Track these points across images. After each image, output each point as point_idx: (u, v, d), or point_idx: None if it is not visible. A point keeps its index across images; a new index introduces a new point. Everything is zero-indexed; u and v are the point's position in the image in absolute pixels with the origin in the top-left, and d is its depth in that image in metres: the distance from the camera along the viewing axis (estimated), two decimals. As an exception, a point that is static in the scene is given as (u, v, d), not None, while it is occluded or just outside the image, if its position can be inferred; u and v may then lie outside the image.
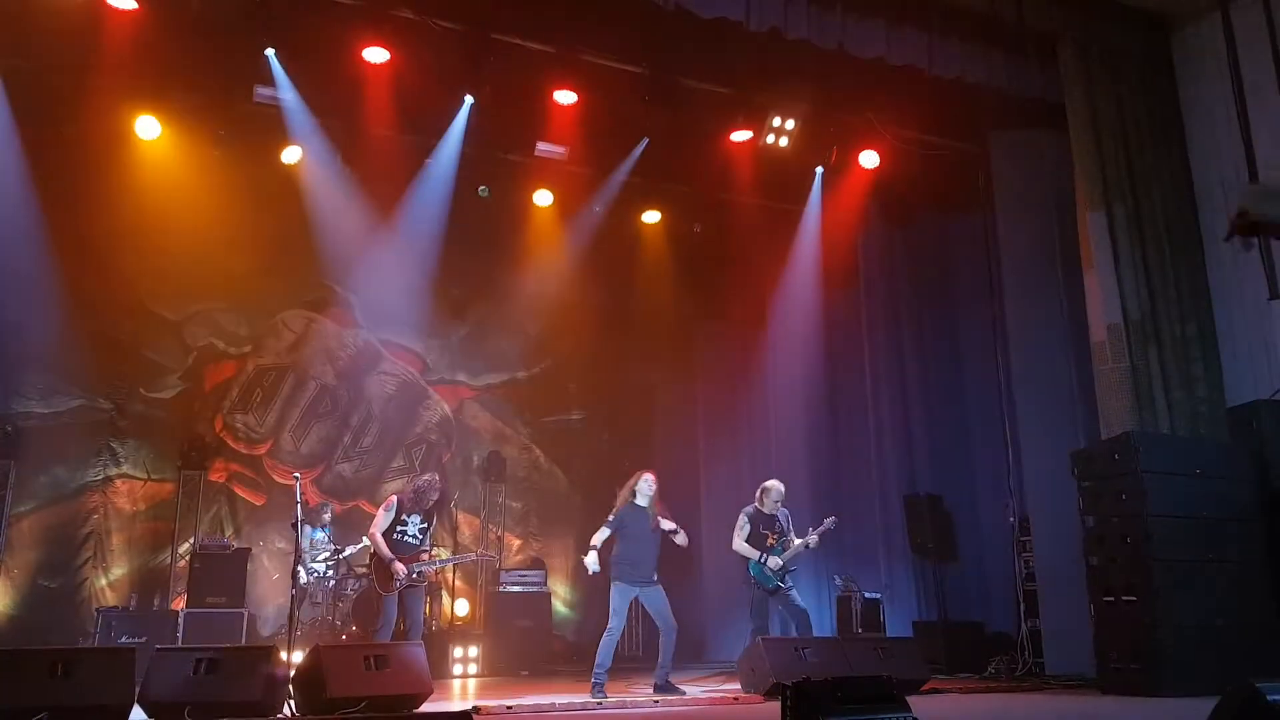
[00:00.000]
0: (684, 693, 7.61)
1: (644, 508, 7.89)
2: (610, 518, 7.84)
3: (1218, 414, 8.38)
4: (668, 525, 7.88)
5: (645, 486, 7.91)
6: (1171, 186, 8.92)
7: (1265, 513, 7.59)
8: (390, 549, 7.67)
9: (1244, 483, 7.59)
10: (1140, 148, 8.87)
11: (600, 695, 7.28)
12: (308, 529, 9.90)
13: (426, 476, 8.14)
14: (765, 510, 8.35)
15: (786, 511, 8.45)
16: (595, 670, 7.48)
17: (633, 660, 10.63)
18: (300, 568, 7.82)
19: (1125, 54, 9.05)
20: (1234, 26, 8.80)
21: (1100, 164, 8.69)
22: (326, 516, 10.39)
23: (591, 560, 7.68)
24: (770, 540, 8.19)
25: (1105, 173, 8.67)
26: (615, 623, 7.63)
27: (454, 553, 11.33)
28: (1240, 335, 8.56)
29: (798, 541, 8.21)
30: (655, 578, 7.80)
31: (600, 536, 7.75)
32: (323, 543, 10.00)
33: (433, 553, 7.99)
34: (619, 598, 7.67)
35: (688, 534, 8.03)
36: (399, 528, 7.80)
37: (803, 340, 11.70)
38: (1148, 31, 9.26)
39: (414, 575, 7.70)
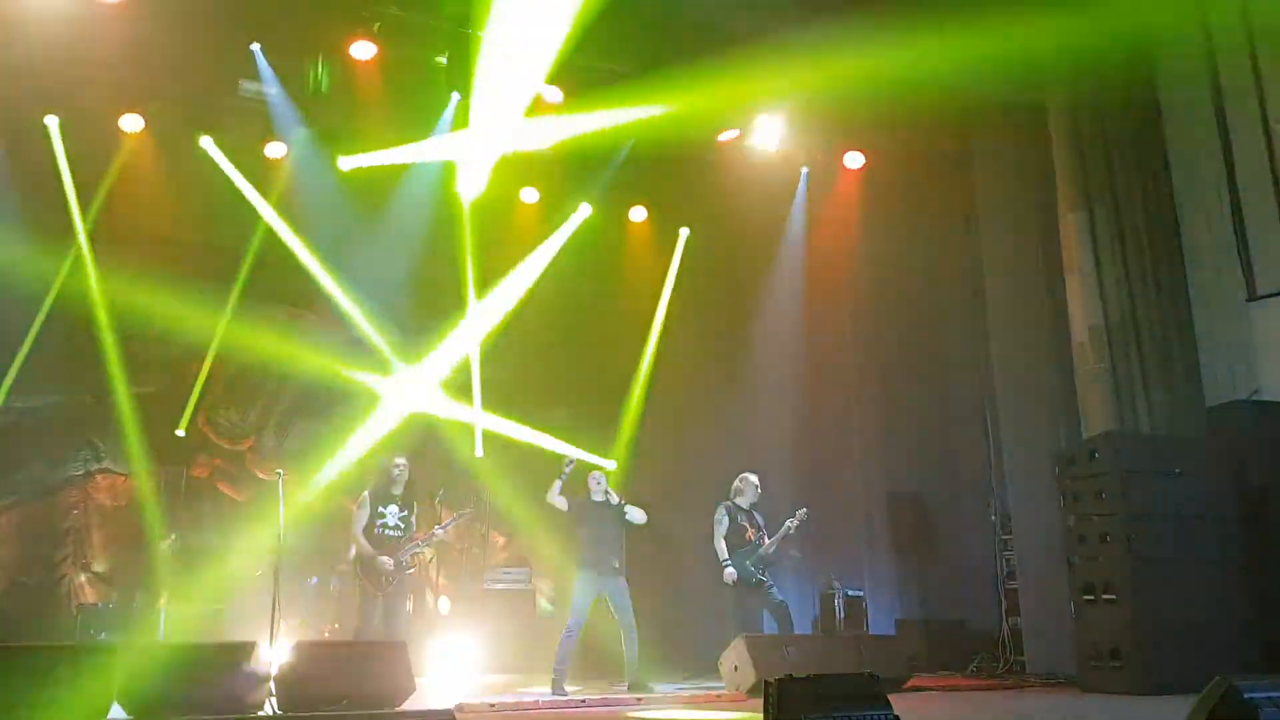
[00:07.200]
0: (653, 689, 7.60)
1: (601, 503, 7.99)
2: (560, 487, 7.95)
3: (1197, 414, 8.44)
4: (638, 516, 8.00)
5: (593, 484, 8.10)
6: (1152, 188, 8.97)
7: (1243, 512, 7.66)
8: (374, 545, 7.61)
9: (1223, 482, 7.66)
10: (1121, 150, 8.91)
11: (560, 692, 7.28)
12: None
13: (399, 460, 8.05)
14: (743, 505, 8.38)
15: (761, 514, 8.48)
16: (555, 667, 7.51)
17: (615, 659, 10.61)
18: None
19: (1109, 61, 9.09)
20: (1214, 37, 8.91)
21: (1082, 166, 8.74)
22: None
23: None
24: (749, 535, 8.22)
25: (1086, 175, 8.72)
26: (575, 620, 7.67)
27: (436, 551, 11.22)
28: (1219, 336, 8.63)
29: (775, 536, 8.26)
30: (619, 569, 7.88)
31: (555, 491, 7.92)
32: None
33: (416, 535, 7.91)
34: (581, 592, 7.73)
35: (668, 532, 8.06)
36: (378, 521, 7.72)
37: (786, 338, 11.72)
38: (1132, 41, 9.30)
39: (402, 563, 7.63)
